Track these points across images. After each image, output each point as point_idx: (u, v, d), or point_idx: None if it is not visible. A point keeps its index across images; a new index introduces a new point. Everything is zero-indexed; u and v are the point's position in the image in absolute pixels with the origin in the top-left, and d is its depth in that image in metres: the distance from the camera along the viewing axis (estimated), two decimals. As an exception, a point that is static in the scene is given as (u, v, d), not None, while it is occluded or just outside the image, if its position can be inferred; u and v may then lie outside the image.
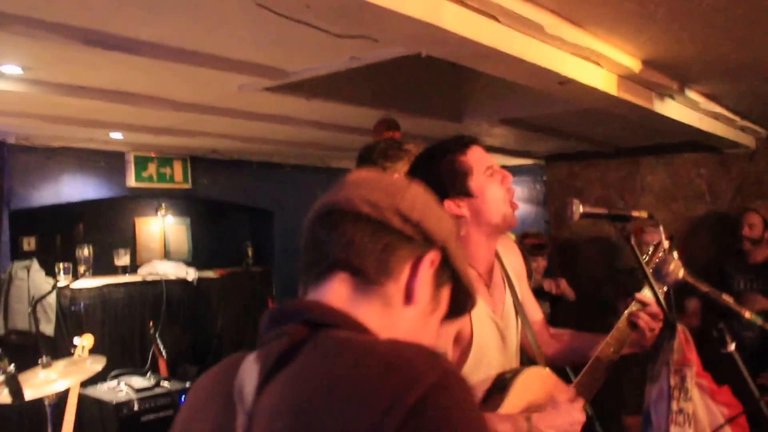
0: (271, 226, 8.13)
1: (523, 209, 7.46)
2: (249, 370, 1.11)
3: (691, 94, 4.13)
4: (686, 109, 4.43)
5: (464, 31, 2.37)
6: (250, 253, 8.10)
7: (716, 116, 4.85)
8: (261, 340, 1.16)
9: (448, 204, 2.21)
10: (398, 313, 1.19)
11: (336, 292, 1.18)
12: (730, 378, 2.26)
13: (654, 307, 2.38)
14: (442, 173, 2.23)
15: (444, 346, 2.08)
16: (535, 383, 2.23)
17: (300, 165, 8.03)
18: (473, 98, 4.61)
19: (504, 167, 2.31)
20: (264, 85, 3.72)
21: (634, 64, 3.36)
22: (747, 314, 2.00)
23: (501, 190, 2.27)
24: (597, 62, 3.22)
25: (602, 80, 3.35)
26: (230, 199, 7.80)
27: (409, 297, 1.20)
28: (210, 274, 7.42)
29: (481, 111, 4.70)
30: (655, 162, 6.85)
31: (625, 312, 2.39)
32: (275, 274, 8.04)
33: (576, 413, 2.13)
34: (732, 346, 2.04)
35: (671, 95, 4.07)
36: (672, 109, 4.23)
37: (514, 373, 2.20)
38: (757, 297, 5.14)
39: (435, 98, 4.45)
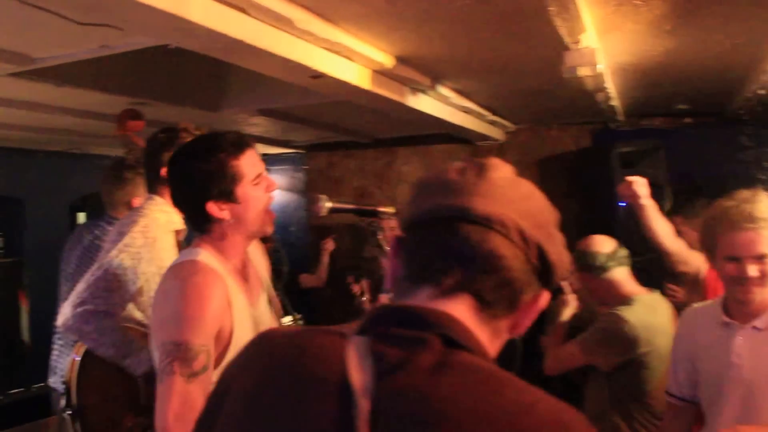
0: (23, 215, 7.68)
1: (284, 198, 7.51)
2: (362, 363, 1.06)
3: (443, 90, 4.31)
4: (438, 104, 4.63)
5: (212, 23, 2.34)
6: (-1, 244, 7.61)
7: (467, 111, 5.10)
8: (376, 331, 1.11)
9: (211, 206, 2.17)
10: (500, 341, 1.20)
11: (462, 312, 1.13)
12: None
13: None
14: (212, 172, 2.17)
15: None
16: None
17: (55, 151, 7.59)
18: (230, 88, 4.56)
19: (264, 156, 2.31)
20: (8, 71, 3.48)
21: (387, 60, 3.46)
22: None
23: (264, 198, 2.28)
24: (350, 57, 3.29)
25: (356, 75, 3.43)
26: (-23, 187, 7.29)
27: (515, 328, 1.20)
28: (-48, 267, 6.88)
29: (238, 101, 4.66)
30: (411, 152, 7.14)
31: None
32: (27, 266, 7.57)
33: None
34: None
35: (424, 90, 4.24)
36: (425, 103, 4.40)
37: None
38: None
39: (191, 87, 4.36)
